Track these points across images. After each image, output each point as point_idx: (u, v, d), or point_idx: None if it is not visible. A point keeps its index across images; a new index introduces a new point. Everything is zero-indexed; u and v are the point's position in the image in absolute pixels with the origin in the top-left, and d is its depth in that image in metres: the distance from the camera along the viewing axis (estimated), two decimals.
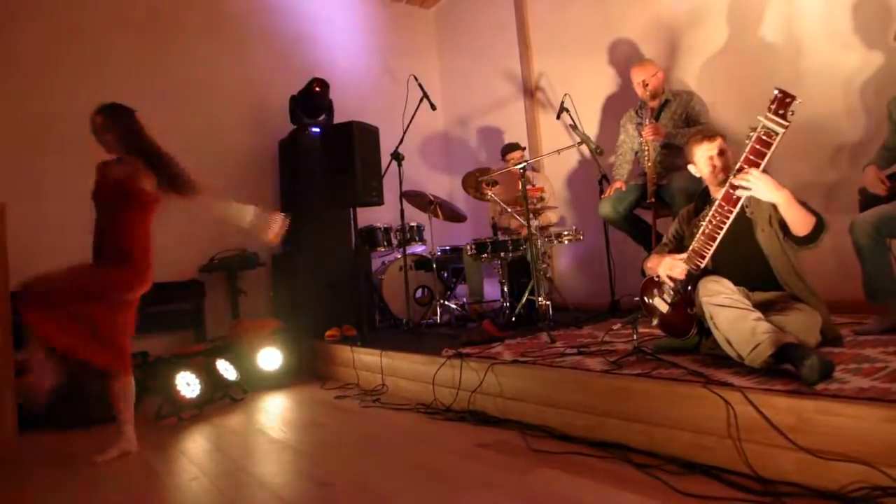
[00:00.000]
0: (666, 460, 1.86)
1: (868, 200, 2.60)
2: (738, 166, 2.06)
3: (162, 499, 2.11)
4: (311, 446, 2.56)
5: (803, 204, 2.10)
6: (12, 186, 3.65)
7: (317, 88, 4.79)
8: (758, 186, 2.02)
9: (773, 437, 1.62)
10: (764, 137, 1.97)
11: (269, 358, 3.91)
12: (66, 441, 2.94)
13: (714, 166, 2.35)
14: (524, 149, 4.74)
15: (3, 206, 2.98)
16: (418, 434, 2.54)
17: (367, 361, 3.54)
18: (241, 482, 2.18)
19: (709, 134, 2.42)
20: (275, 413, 3.21)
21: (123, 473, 2.39)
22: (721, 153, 2.36)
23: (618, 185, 3.82)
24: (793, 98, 1.91)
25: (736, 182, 2.06)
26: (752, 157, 2.02)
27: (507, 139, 5.41)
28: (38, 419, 3.14)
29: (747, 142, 2.02)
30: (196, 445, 2.70)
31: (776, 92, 1.92)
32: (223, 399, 3.49)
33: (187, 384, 3.26)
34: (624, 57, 4.54)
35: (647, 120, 3.60)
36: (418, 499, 1.85)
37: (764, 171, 2.03)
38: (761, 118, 1.96)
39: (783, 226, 2.18)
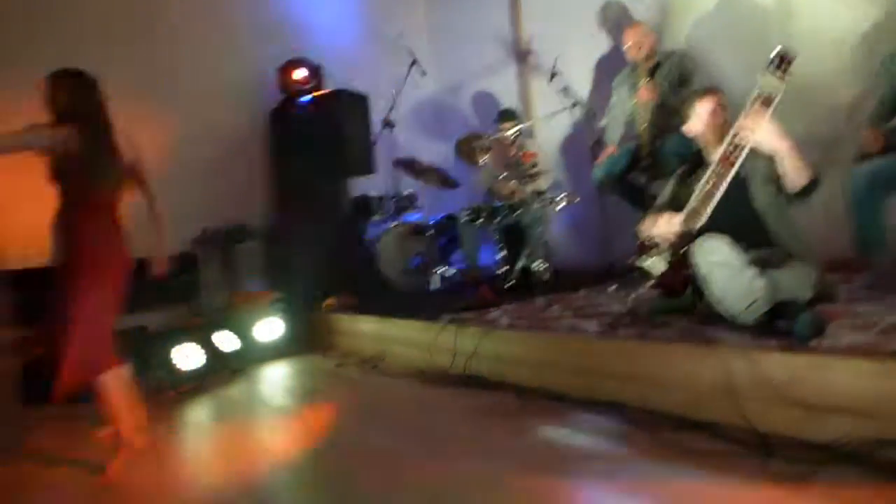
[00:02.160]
0: (662, 417, 1.89)
1: (865, 157, 2.61)
2: (738, 124, 2.06)
3: (167, 468, 2.14)
4: (312, 413, 2.59)
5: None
6: None
7: (302, 58, 4.71)
8: (762, 133, 2.01)
9: (768, 392, 1.65)
10: (764, 95, 1.97)
11: (268, 329, 3.93)
12: (67, 414, 2.95)
13: (713, 123, 2.34)
14: (518, 118, 4.67)
15: None
16: (417, 399, 2.58)
17: (365, 329, 3.56)
18: (245, 451, 2.21)
19: (709, 89, 2.40)
20: (275, 382, 3.24)
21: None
22: (720, 109, 2.34)
23: (610, 149, 3.80)
24: (793, 56, 1.91)
25: (739, 130, 2.05)
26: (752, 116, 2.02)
27: (500, 103, 5.35)
28: (40, 392, 3.15)
29: (746, 101, 2.01)
30: (199, 418, 2.73)
31: (777, 50, 1.93)
32: (223, 371, 3.51)
33: (186, 357, 3.27)
34: (615, 18, 4.46)
35: (643, 81, 3.56)
36: (416, 459, 1.88)
37: None
38: (760, 76, 1.96)
39: (776, 182, 2.18)
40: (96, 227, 2.25)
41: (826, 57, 3.30)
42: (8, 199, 3.12)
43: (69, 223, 2.23)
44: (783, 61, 1.91)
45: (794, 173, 2.08)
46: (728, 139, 2.10)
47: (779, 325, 1.90)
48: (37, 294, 3.61)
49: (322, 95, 4.52)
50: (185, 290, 4.53)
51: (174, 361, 3.22)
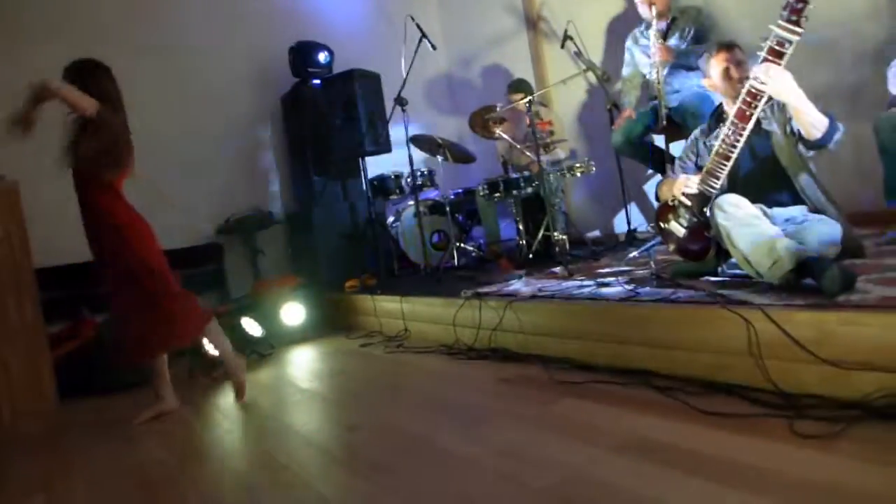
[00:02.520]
0: (687, 382, 1.87)
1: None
2: (751, 73, 1.99)
3: (200, 451, 2.19)
4: (340, 393, 2.62)
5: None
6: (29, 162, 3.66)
7: (313, 43, 4.70)
8: (775, 82, 1.93)
9: (795, 351, 1.62)
10: (776, 47, 1.89)
11: (293, 313, 3.97)
12: (104, 406, 3.04)
13: (731, 77, 2.26)
14: (529, 92, 4.58)
15: (16, 183, 3.01)
16: (442, 374, 2.58)
17: (388, 308, 3.58)
18: (274, 431, 2.25)
19: (726, 43, 2.32)
20: (302, 365, 3.28)
21: (161, 430, 2.48)
22: (738, 63, 2.26)
23: (627, 113, 3.72)
24: (805, 3, 1.81)
25: (752, 76, 1.98)
26: (764, 64, 1.94)
27: (513, 75, 5.27)
28: (76, 387, 3.25)
29: (759, 53, 1.93)
30: (228, 401, 2.78)
31: None
32: (251, 356, 3.57)
33: None
34: None
35: (658, 41, 3.46)
36: (442, 434, 1.89)
37: None
38: (773, 27, 1.87)
39: (798, 134, 2.11)
40: (128, 206, 2.61)
41: (852, 1, 3.16)
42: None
43: (110, 209, 2.55)
44: (796, 8, 1.82)
45: (810, 121, 2.01)
46: (742, 94, 2.03)
47: (806, 283, 1.85)
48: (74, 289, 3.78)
49: (334, 76, 4.49)
50: (211, 278, 4.61)
51: (205, 348, 3.28)
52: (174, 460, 2.10)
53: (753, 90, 1.99)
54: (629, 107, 3.77)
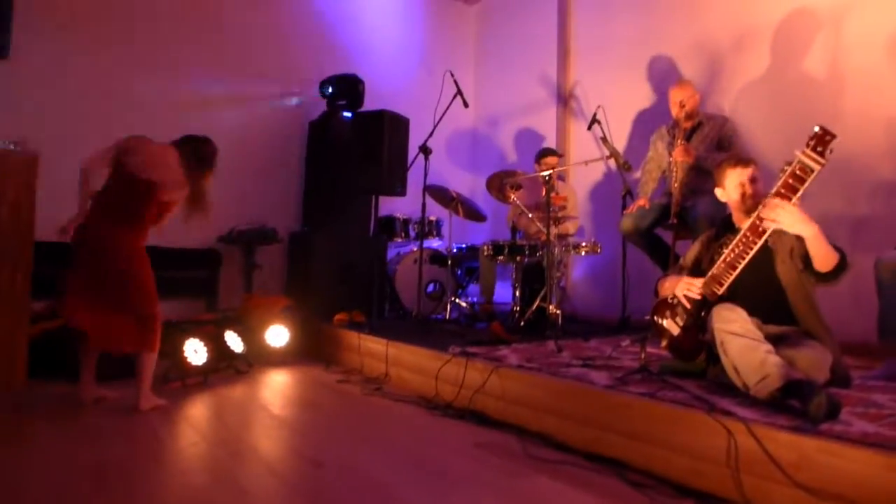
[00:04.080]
0: (661, 482, 1.86)
1: None
2: (767, 199, 2.05)
3: (160, 459, 2.15)
4: (309, 426, 2.59)
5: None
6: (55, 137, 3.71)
7: (352, 78, 4.83)
8: (786, 219, 2.00)
9: (772, 471, 1.62)
10: (798, 173, 1.96)
11: (277, 335, 3.95)
12: (72, 393, 2.98)
13: (744, 193, 2.34)
14: (561, 156, 4.69)
15: (36, 156, 3.04)
16: (417, 427, 2.56)
17: (372, 349, 3.56)
18: (238, 452, 2.21)
19: (744, 159, 2.40)
20: (277, 390, 3.25)
21: (125, 432, 2.44)
22: (753, 180, 2.34)
23: (641, 202, 3.80)
24: (833, 136, 1.89)
25: (764, 215, 2.05)
26: (783, 191, 2.00)
27: (537, 143, 5.40)
28: (46, 367, 3.20)
29: (781, 175, 2.00)
30: (198, 412, 2.74)
31: (816, 129, 1.91)
32: (228, 370, 3.54)
33: (195, 351, 3.30)
34: (661, 74, 4.51)
35: (679, 140, 3.58)
36: (409, 489, 1.87)
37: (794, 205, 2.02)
38: (798, 153, 1.94)
39: (804, 259, 2.17)
40: None
41: (874, 135, 3.29)
42: None
43: None
44: (823, 140, 1.90)
45: (821, 256, 2.08)
46: (756, 214, 2.09)
47: (791, 403, 1.87)
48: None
49: (365, 113, 4.59)
50: (204, 284, 4.60)
51: (184, 353, 3.25)
52: (134, 465, 2.06)
53: (760, 226, 2.06)
54: (644, 196, 3.85)
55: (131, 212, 2.74)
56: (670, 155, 3.65)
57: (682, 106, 3.60)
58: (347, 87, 4.91)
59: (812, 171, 1.93)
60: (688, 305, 2.34)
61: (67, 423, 2.52)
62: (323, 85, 4.91)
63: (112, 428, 2.46)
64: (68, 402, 2.82)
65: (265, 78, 5.04)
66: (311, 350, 4.16)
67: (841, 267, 2.09)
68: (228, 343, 3.60)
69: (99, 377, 2.84)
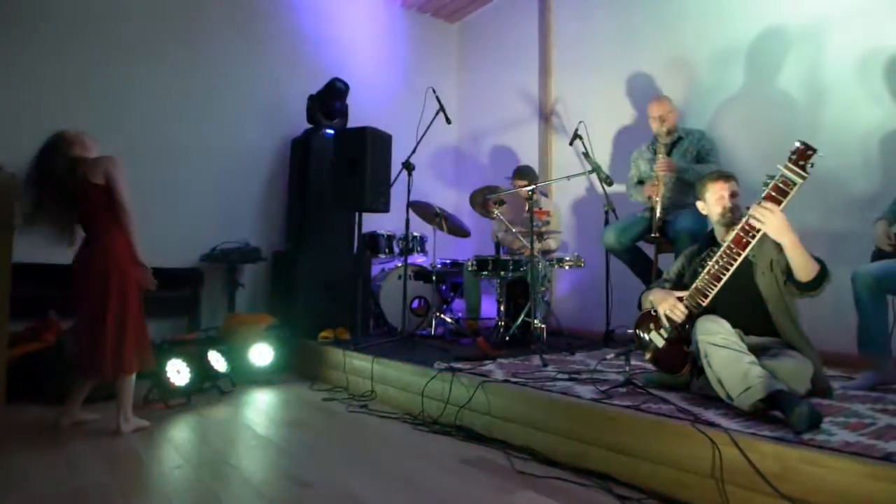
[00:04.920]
0: (647, 495, 1.87)
1: (879, 255, 2.63)
2: (752, 210, 2.09)
3: (144, 483, 2.11)
4: (295, 445, 2.56)
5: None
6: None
7: (338, 85, 4.85)
8: (772, 222, 2.04)
9: (756, 481, 1.64)
10: (781, 185, 2.02)
11: (261, 353, 3.92)
12: (52, 417, 2.93)
13: (724, 207, 2.39)
14: (533, 178, 4.70)
15: (14, 176, 3.00)
16: (404, 444, 2.54)
17: (357, 366, 3.54)
18: (223, 474, 2.18)
19: (725, 174, 2.46)
20: (261, 409, 3.21)
21: (108, 455, 2.39)
22: (733, 195, 2.40)
23: (624, 217, 3.85)
24: (813, 151, 1.96)
25: (753, 213, 2.08)
26: (766, 204, 2.05)
27: (520, 160, 5.44)
28: (24, 391, 3.15)
29: (764, 188, 2.05)
30: (181, 434, 2.71)
31: (797, 144, 1.97)
32: (211, 390, 3.50)
33: (177, 371, 3.26)
34: (641, 90, 4.58)
35: (660, 155, 3.64)
36: None
37: None
38: (780, 167, 2.00)
39: (785, 271, 2.21)
40: None
41: (851, 151, 3.36)
42: None
43: None
44: (804, 154, 1.96)
45: (801, 265, 2.12)
46: (741, 224, 2.13)
47: (774, 414, 1.89)
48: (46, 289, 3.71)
49: (347, 130, 4.60)
50: (185, 304, 4.56)
51: (167, 374, 3.21)
52: (117, 491, 2.02)
53: (750, 227, 2.10)
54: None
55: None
56: (652, 171, 3.70)
57: (662, 121, 3.67)
58: (330, 105, 4.92)
59: (795, 183, 1.99)
60: (670, 319, 2.37)
61: (46, 448, 2.47)
62: (306, 102, 4.91)
63: (93, 452, 2.41)
64: (47, 427, 2.77)
65: (247, 97, 5.04)
66: (295, 368, 4.13)
67: (822, 276, 2.13)
68: (212, 363, 3.56)
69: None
